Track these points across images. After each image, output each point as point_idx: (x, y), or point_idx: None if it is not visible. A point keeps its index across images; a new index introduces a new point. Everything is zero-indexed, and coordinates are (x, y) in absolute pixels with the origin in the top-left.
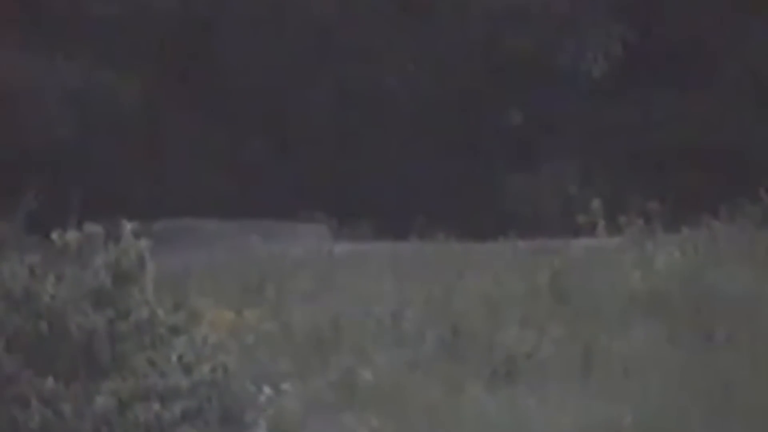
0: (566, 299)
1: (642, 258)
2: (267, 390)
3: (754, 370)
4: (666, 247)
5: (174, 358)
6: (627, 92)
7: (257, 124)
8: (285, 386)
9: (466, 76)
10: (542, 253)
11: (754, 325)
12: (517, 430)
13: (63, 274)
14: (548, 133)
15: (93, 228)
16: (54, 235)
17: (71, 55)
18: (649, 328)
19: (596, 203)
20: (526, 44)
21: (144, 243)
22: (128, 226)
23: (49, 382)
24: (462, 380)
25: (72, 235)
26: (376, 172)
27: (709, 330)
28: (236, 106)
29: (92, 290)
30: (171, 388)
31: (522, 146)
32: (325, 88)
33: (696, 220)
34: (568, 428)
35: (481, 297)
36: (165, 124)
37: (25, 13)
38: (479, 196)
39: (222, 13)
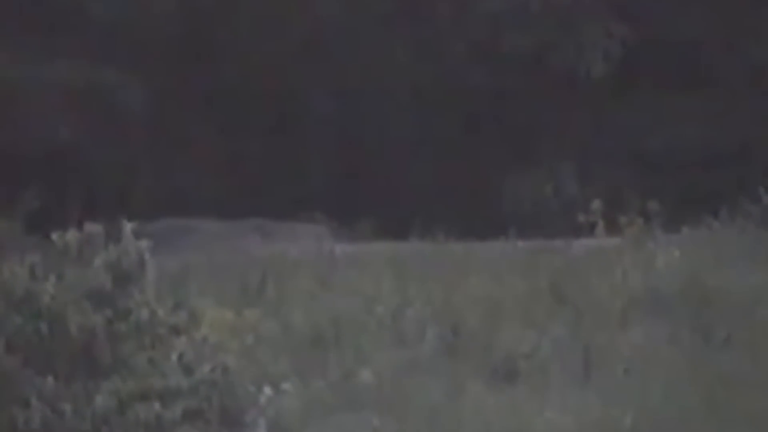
0: (566, 299)
1: (642, 258)
2: (267, 390)
3: (754, 370)
4: (666, 247)
5: (174, 358)
6: (626, 92)
7: (258, 125)
8: (285, 386)
9: (466, 76)
10: (542, 253)
11: (754, 325)
12: (518, 430)
13: (63, 274)
14: (548, 133)
15: (93, 228)
16: (54, 235)
17: (71, 55)
18: (649, 328)
19: (596, 203)
20: (526, 44)
21: (144, 243)
22: (128, 226)
23: (49, 382)
24: (462, 380)
25: (72, 235)
26: (376, 172)
27: (709, 330)
28: (237, 107)
29: (92, 290)
30: (171, 388)
31: (522, 146)
32: (325, 88)
33: (696, 220)
34: (568, 428)
35: (481, 297)
36: (165, 124)
37: (25, 13)
38: (479, 196)
39: (222, 14)
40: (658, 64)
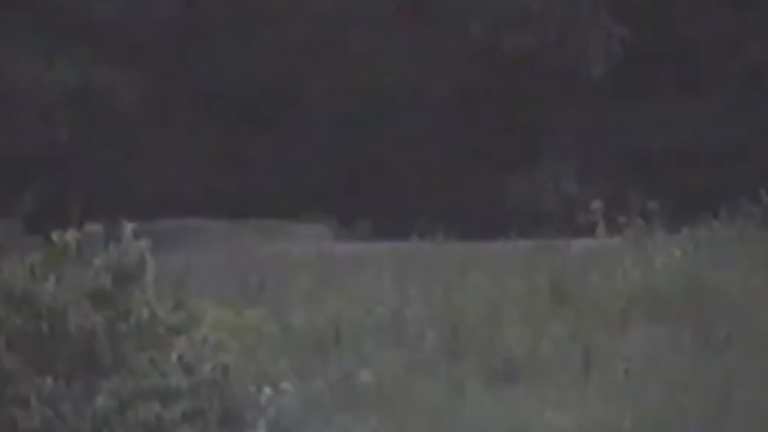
0: (566, 299)
1: (642, 258)
2: (267, 390)
3: (754, 370)
4: (666, 247)
5: (174, 358)
6: (627, 92)
7: (257, 124)
8: (285, 386)
9: (466, 76)
10: (542, 253)
11: (754, 325)
12: (518, 430)
13: (63, 274)
14: (548, 133)
15: (93, 228)
16: (54, 235)
17: (71, 55)
18: (649, 328)
19: (596, 203)
20: (526, 44)
21: (144, 243)
22: (128, 226)
23: (49, 382)
24: (462, 380)
25: (72, 235)
26: (376, 172)
27: (709, 330)
28: (236, 106)
29: (92, 290)
30: (171, 388)
31: (522, 146)
32: (324, 88)
33: (696, 220)
34: (568, 428)
35: (481, 297)
36: (165, 124)
37: (25, 13)
38: (479, 196)
39: (222, 14)
40: (658, 64)
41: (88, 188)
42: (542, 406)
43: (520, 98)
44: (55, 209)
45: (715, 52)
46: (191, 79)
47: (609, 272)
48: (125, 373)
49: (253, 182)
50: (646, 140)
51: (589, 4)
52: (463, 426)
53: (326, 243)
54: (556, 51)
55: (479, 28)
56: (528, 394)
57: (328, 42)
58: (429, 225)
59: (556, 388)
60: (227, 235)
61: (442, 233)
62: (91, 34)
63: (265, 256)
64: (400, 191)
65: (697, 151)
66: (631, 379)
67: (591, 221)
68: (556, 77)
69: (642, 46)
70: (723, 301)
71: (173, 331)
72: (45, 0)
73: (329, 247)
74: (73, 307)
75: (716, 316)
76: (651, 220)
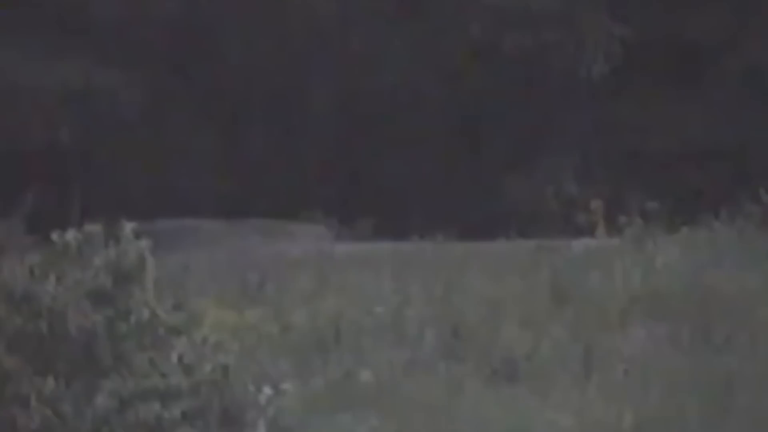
0: (566, 299)
1: (642, 258)
2: (267, 390)
3: (754, 370)
4: (666, 247)
5: (174, 358)
6: (627, 92)
7: (257, 125)
8: (285, 386)
9: (465, 76)
10: (542, 253)
11: (754, 325)
12: (518, 430)
13: (63, 274)
14: (548, 133)
15: (93, 228)
16: (54, 235)
17: (71, 55)
18: (649, 328)
19: (596, 203)
20: (526, 44)
21: (144, 243)
22: (128, 226)
23: (49, 382)
24: (462, 380)
25: (72, 235)
26: (376, 172)
27: (709, 330)
28: (236, 106)
29: (92, 290)
30: (171, 388)
31: (522, 146)
32: (325, 88)
33: (696, 220)
34: (568, 428)
35: (481, 297)
36: (165, 124)
37: (26, 13)
38: (479, 196)
39: (222, 14)
40: (658, 64)
41: (88, 188)
42: (542, 406)
43: (520, 98)
44: (55, 209)
45: (715, 52)
46: (191, 79)
47: (609, 272)
48: (125, 373)
49: (253, 182)
50: (646, 140)
51: (589, 4)
52: (463, 426)
53: (326, 243)
54: (556, 51)
55: (479, 28)
56: (528, 394)
57: (328, 42)
58: (429, 225)
59: (556, 388)
60: (227, 235)
61: (442, 233)
62: (91, 34)
63: (265, 256)
64: (400, 191)
65: (697, 151)
66: (631, 379)
67: (591, 221)
68: (556, 77)
69: (642, 46)
70: (723, 301)
71: (173, 331)
72: (45, 0)
73: (329, 247)
74: (73, 307)
75: (716, 316)
76: (651, 220)
